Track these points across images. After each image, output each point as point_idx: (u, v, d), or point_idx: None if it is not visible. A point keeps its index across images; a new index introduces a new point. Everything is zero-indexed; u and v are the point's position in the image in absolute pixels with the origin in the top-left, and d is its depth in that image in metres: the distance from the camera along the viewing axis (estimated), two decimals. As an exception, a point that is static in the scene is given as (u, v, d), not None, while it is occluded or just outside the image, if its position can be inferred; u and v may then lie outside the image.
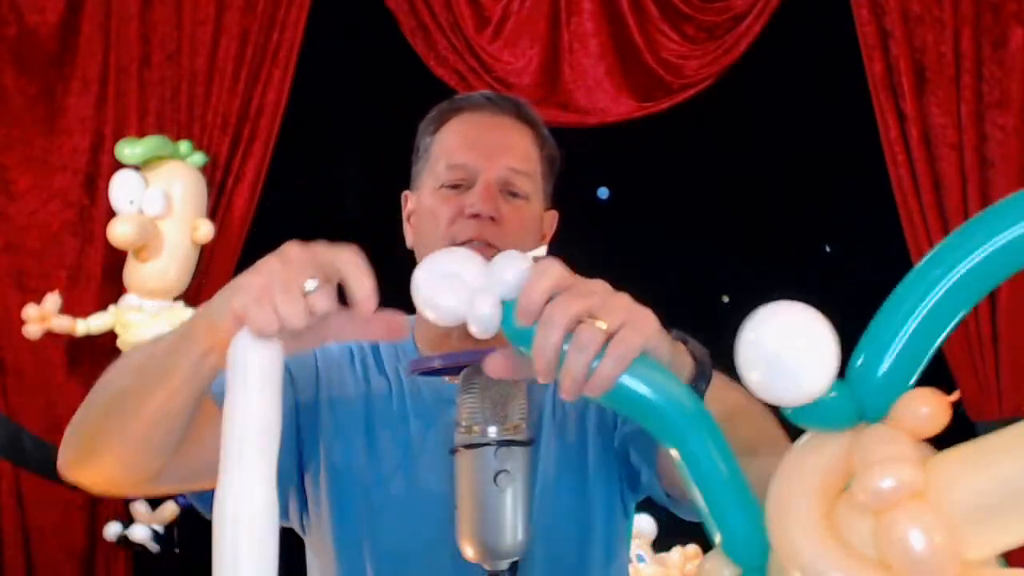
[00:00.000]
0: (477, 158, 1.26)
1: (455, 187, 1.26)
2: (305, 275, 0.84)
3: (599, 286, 0.81)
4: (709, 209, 3.57)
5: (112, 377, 1.08)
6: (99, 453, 1.07)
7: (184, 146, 3.19)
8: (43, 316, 3.05)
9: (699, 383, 0.91)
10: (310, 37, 3.31)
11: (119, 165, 3.12)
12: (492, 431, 0.99)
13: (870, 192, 3.23)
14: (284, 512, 1.28)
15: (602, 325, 0.78)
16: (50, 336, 3.09)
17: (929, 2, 3.10)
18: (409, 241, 1.34)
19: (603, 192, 3.73)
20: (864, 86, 3.15)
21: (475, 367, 1.00)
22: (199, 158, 3.20)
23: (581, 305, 0.78)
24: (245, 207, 3.27)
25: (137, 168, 3.11)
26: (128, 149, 3.10)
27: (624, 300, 0.81)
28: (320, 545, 1.28)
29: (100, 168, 3.26)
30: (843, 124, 3.28)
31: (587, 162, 3.48)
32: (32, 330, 3.04)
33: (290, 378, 1.25)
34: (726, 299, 3.69)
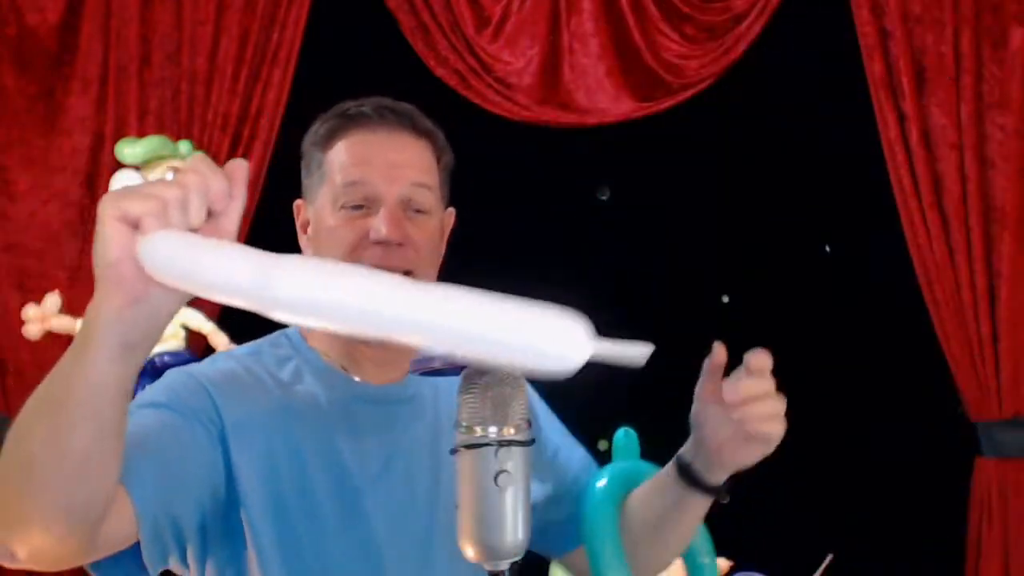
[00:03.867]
0: (377, 178, 1.24)
1: (356, 207, 1.23)
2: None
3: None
4: (709, 209, 3.57)
5: (13, 441, 0.92)
6: (22, 524, 0.90)
7: (184, 146, 3.19)
8: (43, 316, 3.05)
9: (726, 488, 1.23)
10: (310, 37, 3.31)
11: (119, 165, 3.12)
12: (492, 431, 0.99)
13: (870, 192, 3.23)
14: (164, 559, 1.11)
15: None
16: (50, 336, 3.09)
17: (929, 2, 3.10)
18: (306, 254, 1.30)
19: (603, 192, 3.72)
20: (864, 86, 3.15)
21: (476, 367, 1.01)
22: (199, 158, 3.20)
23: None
24: (245, 207, 3.26)
25: (137, 168, 3.11)
26: (128, 149, 3.10)
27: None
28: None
29: (100, 168, 3.26)
30: (843, 124, 3.28)
31: (587, 162, 3.48)
32: (32, 330, 3.04)
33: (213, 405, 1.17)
34: (726, 299, 3.69)
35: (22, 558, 0.90)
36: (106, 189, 3.13)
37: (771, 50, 3.25)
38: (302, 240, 1.33)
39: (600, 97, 3.33)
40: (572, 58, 3.33)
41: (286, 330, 1.30)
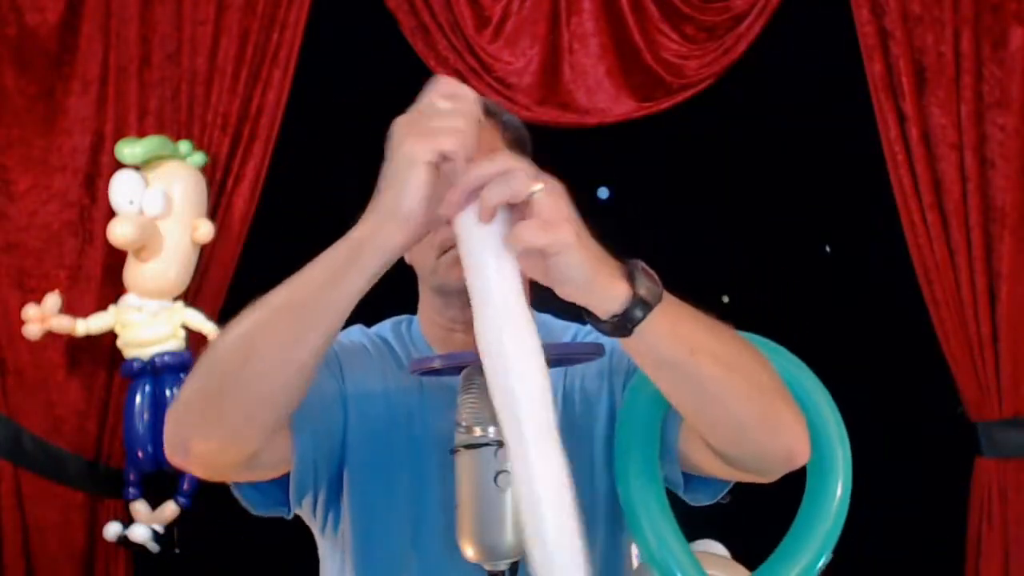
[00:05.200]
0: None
1: None
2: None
3: (557, 184, 0.95)
4: (709, 209, 3.57)
5: (243, 329, 1.03)
6: (215, 421, 1.02)
7: (184, 146, 3.19)
8: (43, 316, 3.05)
9: (628, 317, 0.96)
10: (310, 37, 3.31)
11: (119, 165, 3.12)
12: (492, 431, 0.99)
13: (870, 192, 3.23)
14: (300, 500, 1.26)
15: (538, 187, 0.92)
16: (50, 336, 3.09)
17: (929, 2, 3.10)
18: (407, 257, 1.32)
19: (603, 192, 3.72)
20: (864, 86, 3.15)
21: (476, 367, 1.01)
22: (199, 158, 3.20)
23: (537, 175, 0.93)
24: (245, 207, 3.27)
25: (137, 168, 3.11)
26: (128, 149, 3.10)
27: (564, 203, 0.95)
28: (336, 543, 1.29)
29: (100, 168, 3.26)
30: (843, 124, 3.28)
31: (587, 162, 3.48)
32: (32, 330, 3.04)
33: (339, 365, 1.28)
34: (726, 299, 3.69)
35: (194, 456, 1.03)
36: (106, 189, 3.13)
37: (771, 50, 3.25)
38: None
39: (600, 97, 3.33)
40: (572, 58, 3.33)
41: (408, 316, 1.39)
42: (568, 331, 1.35)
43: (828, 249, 3.72)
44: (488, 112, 1.30)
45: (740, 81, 3.30)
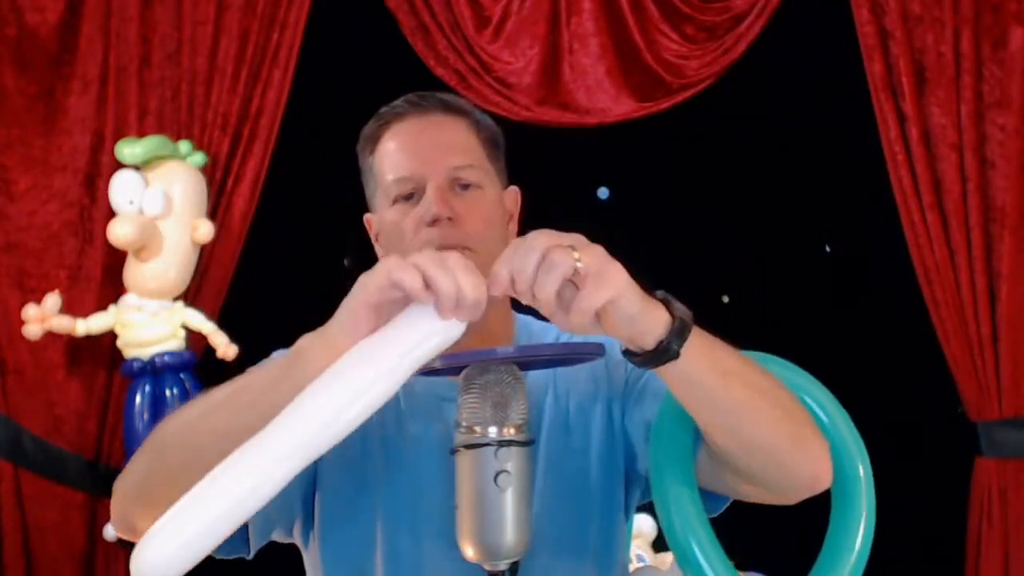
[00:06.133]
0: (418, 165, 1.25)
1: (408, 198, 1.26)
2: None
3: (578, 235, 0.95)
4: (709, 209, 3.57)
5: (187, 419, 1.08)
6: (160, 503, 1.01)
7: (184, 146, 3.19)
8: (43, 316, 3.05)
9: (672, 340, 0.99)
10: (310, 37, 3.31)
11: (119, 165, 3.12)
12: (492, 431, 0.99)
13: (870, 192, 3.23)
14: (289, 526, 1.29)
15: (576, 255, 0.92)
16: (50, 336, 3.09)
17: (929, 2, 3.10)
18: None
19: (603, 192, 3.73)
20: (864, 86, 3.15)
21: (476, 367, 1.01)
22: (199, 158, 3.20)
23: (562, 239, 0.93)
24: (245, 207, 3.27)
25: (137, 168, 3.11)
26: (128, 149, 3.10)
27: (600, 249, 0.95)
28: (317, 557, 1.28)
29: (100, 168, 3.26)
30: (843, 124, 3.28)
31: (587, 162, 3.48)
32: (32, 330, 3.04)
33: None
34: (726, 299, 3.69)
35: (141, 532, 1.00)
36: (106, 189, 3.13)
37: (771, 50, 3.25)
38: (378, 251, 1.34)
39: (600, 97, 3.33)
40: (572, 58, 3.33)
41: None
42: (549, 331, 1.34)
43: (828, 249, 3.73)
44: (460, 110, 1.31)
45: (740, 81, 3.30)
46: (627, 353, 1.02)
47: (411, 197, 1.25)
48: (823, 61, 3.32)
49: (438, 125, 1.29)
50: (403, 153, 1.27)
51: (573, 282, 0.95)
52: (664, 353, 0.99)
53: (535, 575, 1.17)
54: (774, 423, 1.09)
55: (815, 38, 3.30)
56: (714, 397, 1.05)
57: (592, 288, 0.93)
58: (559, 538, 1.24)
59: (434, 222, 1.22)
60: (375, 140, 1.30)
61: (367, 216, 1.35)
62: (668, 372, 1.03)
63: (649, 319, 0.98)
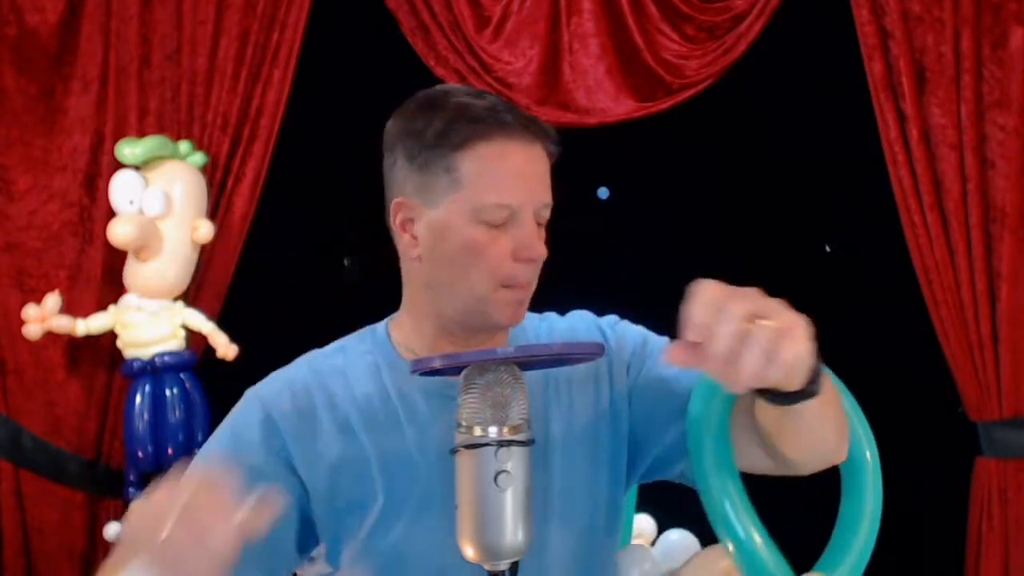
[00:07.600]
0: (524, 197, 1.21)
1: (499, 224, 1.21)
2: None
3: (756, 292, 0.93)
4: (709, 209, 3.57)
5: None
6: None
7: (184, 146, 3.19)
8: (43, 316, 3.05)
9: (816, 383, 1.00)
10: (310, 37, 3.31)
11: (119, 165, 3.12)
12: (493, 431, 0.99)
13: (870, 192, 3.23)
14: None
15: (770, 323, 0.90)
16: (50, 336, 3.09)
17: (929, 2, 3.10)
18: (414, 253, 1.25)
19: (603, 192, 3.73)
20: (864, 86, 3.15)
21: (476, 367, 1.01)
22: (199, 158, 3.20)
23: (753, 304, 0.90)
24: (245, 207, 3.27)
25: (137, 168, 3.11)
26: (128, 149, 3.10)
27: (781, 306, 0.93)
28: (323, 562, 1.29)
29: (100, 168, 3.26)
30: (843, 124, 3.28)
31: (587, 162, 3.48)
32: (32, 330, 3.04)
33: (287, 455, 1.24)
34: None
35: None
36: (106, 189, 3.13)
37: (771, 50, 3.25)
38: (406, 239, 1.26)
39: (600, 97, 3.33)
40: (572, 58, 3.33)
41: (376, 324, 1.35)
42: (544, 320, 1.37)
43: (828, 249, 3.72)
44: (553, 147, 1.26)
45: (740, 81, 3.30)
46: (760, 393, 1.02)
47: (502, 224, 1.21)
48: (823, 61, 3.32)
49: (541, 159, 1.24)
50: (516, 180, 1.21)
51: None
52: (808, 395, 1.00)
53: (549, 543, 1.23)
54: (838, 431, 1.18)
55: (815, 38, 3.29)
56: (811, 426, 1.09)
57: (787, 341, 0.90)
58: (571, 513, 1.26)
59: (532, 260, 1.22)
60: (465, 140, 1.20)
61: (398, 199, 1.25)
62: (785, 407, 1.03)
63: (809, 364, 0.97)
